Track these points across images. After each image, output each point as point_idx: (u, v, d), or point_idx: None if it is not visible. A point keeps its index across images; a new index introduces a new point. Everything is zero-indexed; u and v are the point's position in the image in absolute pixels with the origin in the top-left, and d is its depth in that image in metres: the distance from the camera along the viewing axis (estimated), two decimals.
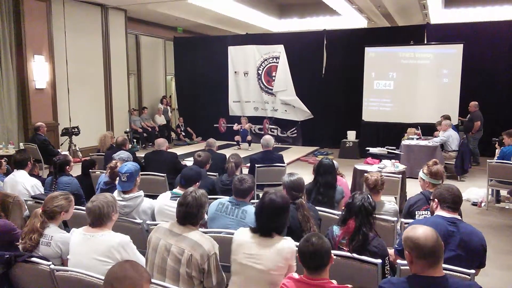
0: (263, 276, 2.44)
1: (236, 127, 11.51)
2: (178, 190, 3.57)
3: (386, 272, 2.63)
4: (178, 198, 2.71)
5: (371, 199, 2.82)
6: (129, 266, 1.89)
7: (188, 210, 2.58)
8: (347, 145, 10.52)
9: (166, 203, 3.50)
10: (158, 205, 3.56)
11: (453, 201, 2.77)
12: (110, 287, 1.83)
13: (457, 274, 2.35)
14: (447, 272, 2.17)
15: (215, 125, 12.25)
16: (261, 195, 2.73)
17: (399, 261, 2.60)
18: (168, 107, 13.40)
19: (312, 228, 2.93)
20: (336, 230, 2.84)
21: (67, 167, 4.53)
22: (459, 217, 2.78)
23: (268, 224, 2.53)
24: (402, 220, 3.44)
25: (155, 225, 3.24)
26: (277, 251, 2.45)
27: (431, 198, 2.95)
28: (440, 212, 2.78)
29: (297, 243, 2.49)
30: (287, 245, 2.48)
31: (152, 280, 2.40)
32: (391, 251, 2.91)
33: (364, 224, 2.70)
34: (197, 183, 3.66)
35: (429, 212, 3.49)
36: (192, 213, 2.59)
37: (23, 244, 2.79)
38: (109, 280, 1.85)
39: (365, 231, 2.69)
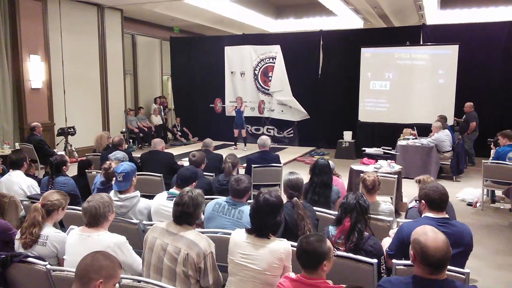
0: (259, 276, 2.45)
1: (231, 109, 11.55)
2: (174, 190, 3.56)
3: (381, 271, 2.65)
4: (175, 198, 2.72)
5: (364, 198, 2.85)
6: (102, 257, 1.94)
7: (185, 210, 2.59)
8: (343, 145, 10.54)
9: (163, 203, 3.50)
10: (154, 205, 3.56)
11: (440, 201, 2.74)
12: (88, 279, 1.86)
13: (452, 274, 2.36)
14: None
15: (210, 105, 12.43)
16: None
17: (394, 261, 2.61)
18: (161, 107, 13.32)
19: (306, 227, 2.94)
20: (332, 230, 2.85)
21: (64, 167, 4.53)
22: (447, 216, 2.77)
23: (264, 223, 2.54)
24: (398, 220, 3.46)
25: (152, 225, 3.24)
26: (271, 251, 2.45)
27: (418, 199, 2.96)
28: (428, 213, 2.77)
29: (293, 243, 2.51)
30: (282, 246, 2.48)
31: (149, 280, 2.42)
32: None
33: (359, 221, 2.72)
34: (194, 183, 3.67)
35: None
36: (189, 212, 2.60)
37: (23, 240, 2.78)
38: (85, 273, 1.88)
39: (360, 227, 2.71)
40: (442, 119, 8.61)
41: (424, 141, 8.18)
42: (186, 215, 2.60)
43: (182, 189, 3.50)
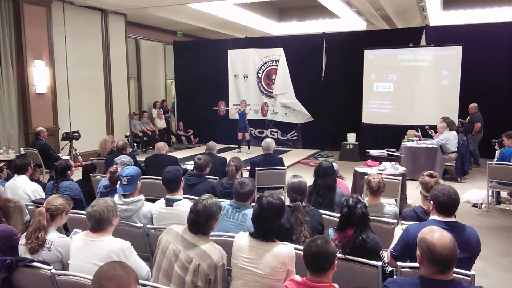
0: (262, 280, 2.43)
1: (234, 111, 11.60)
2: (168, 196, 3.49)
3: (383, 265, 2.63)
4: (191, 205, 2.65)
5: (363, 203, 2.81)
6: (119, 266, 1.91)
7: (196, 218, 2.54)
8: (347, 147, 10.53)
9: (162, 210, 3.46)
10: (154, 212, 3.51)
11: (448, 205, 2.68)
12: (98, 285, 1.84)
13: (458, 276, 2.34)
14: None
15: (214, 108, 12.58)
16: None
17: (399, 263, 2.59)
18: (160, 110, 13.26)
19: (302, 233, 2.91)
20: (331, 233, 2.82)
21: (68, 171, 4.53)
22: (454, 219, 2.73)
23: (269, 226, 2.52)
24: (402, 222, 3.44)
25: (154, 229, 3.24)
26: (274, 256, 2.44)
27: (428, 198, 2.94)
28: (435, 216, 2.74)
29: (297, 246, 2.50)
30: (285, 250, 2.47)
31: (157, 284, 2.40)
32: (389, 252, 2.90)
33: (363, 232, 2.69)
34: (181, 182, 3.56)
35: None
36: (200, 222, 2.53)
37: (29, 245, 2.78)
38: (98, 279, 1.86)
39: (364, 237, 2.67)
40: (445, 120, 8.58)
41: (434, 140, 8.17)
42: (197, 223, 2.53)
43: (174, 193, 3.46)
